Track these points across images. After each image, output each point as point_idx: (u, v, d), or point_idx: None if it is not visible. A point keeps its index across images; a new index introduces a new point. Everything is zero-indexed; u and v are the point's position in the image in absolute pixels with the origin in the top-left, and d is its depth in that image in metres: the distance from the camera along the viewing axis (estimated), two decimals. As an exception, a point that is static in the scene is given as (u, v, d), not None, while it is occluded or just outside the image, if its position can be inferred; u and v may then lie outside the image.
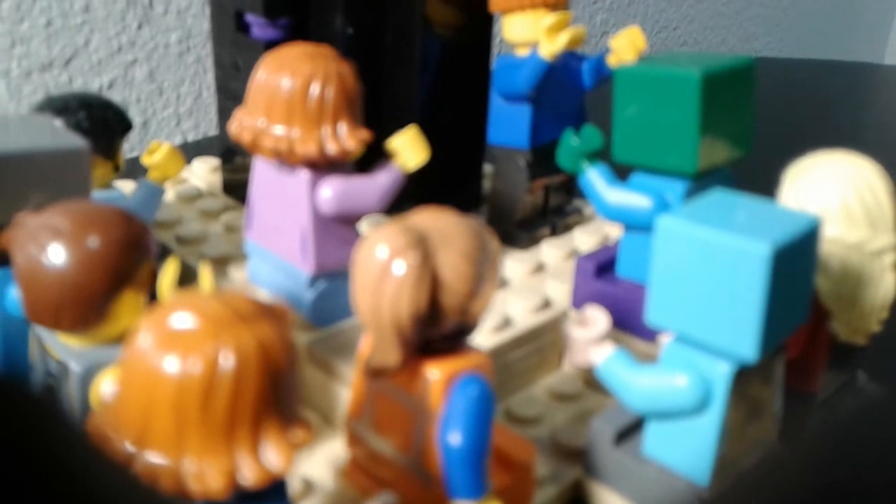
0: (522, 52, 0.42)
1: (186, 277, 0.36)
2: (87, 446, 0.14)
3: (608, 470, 0.30)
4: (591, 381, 0.37)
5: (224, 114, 0.47)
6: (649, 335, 0.35)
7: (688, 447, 0.28)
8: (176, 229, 0.44)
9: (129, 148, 0.40)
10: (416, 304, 0.24)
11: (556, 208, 0.47)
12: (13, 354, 0.31)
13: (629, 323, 0.36)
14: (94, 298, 0.27)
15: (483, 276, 0.25)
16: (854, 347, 0.34)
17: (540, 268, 0.42)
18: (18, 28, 0.65)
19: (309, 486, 0.30)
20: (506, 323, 0.36)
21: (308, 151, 0.32)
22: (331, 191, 0.34)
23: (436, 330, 0.25)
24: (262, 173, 0.36)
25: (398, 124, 0.38)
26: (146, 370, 0.20)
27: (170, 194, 0.47)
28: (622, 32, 0.41)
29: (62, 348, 0.28)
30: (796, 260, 0.26)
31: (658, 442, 0.29)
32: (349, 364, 0.33)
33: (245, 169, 0.45)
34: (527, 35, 0.42)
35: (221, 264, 0.40)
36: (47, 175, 0.31)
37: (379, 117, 0.42)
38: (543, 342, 0.37)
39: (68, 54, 0.68)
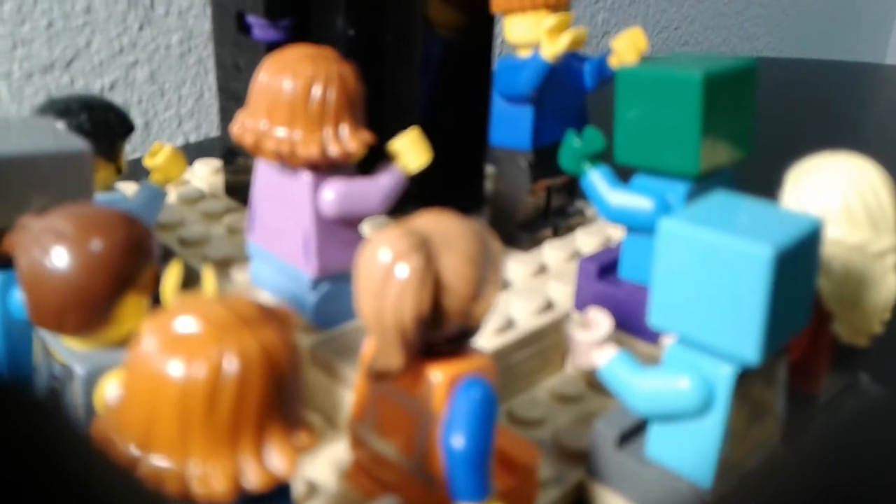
0: (524, 54, 0.42)
1: (189, 279, 0.36)
2: (89, 450, 0.14)
3: (611, 472, 0.30)
4: (593, 383, 0.37)
5: (226, 115, 0.47)
6: (652, 337, 0.35)
7: (691, 449, 0.28)
8: (178, 231, 0.44)
9: (130, 149, 0.40)
10: (418, 308, 0.24)
11: (558, 209, 0.47)
12: (17, 357, 0.31)
13: (631, 324, 0.36)
14: (98, 301, 0.27)
15: (486, 278, 0.25)
16: (856, 349, 0.34)
17: (542, 269, 0.42)
18: (20, 30, 0.65)
19: (312, 489, 0.30)
20: (508, 325, 0.36)
21: (310, 153, 0.32)
22: (333, 193, 0.34)
23: (438, 333, 0.25)
24: (265, 175, 0.36)
25: (400, 126, 0.38)
26: (150, 374, 0.20)
27: (172, 196, 0.47)
28: (624, 33, 0.41)
29: (66, 351, 0.28)
30: (798, 262, 0.26)
31: (661, 444, 0.29)
32: (352, 366, 0.33)
33: (247, 170, 0.45)
34: (528, 36, 0.42)
35: (224, 266, 0.40)
36: (50, 178, 0.31)
37: (380, 119, 0.42)
38: (546, 344, 0.37)
39: (69, 56, 0.68)
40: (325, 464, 0.31)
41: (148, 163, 0.41)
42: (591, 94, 0.45)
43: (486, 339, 0.35)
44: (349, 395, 0.32)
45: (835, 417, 0.34)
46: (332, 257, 0.35)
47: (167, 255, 0.41)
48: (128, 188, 0.45)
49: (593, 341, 0.30)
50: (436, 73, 0.44)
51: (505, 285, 0.40)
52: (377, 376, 0.26)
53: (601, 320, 0.30)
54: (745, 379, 0.27)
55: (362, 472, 0.29)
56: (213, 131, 0.77)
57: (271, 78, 0.33)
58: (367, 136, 0.33)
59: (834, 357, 0.33)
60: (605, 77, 0.44)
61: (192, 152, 0.49)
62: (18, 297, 0.31)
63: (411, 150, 0.35)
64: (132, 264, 0.27)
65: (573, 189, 0.46)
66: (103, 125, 0.38)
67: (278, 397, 0.21)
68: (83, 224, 0.26)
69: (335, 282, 0.35)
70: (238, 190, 0.47)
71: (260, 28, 0.42)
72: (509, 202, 0.44)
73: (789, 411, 0.30)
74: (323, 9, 0.42)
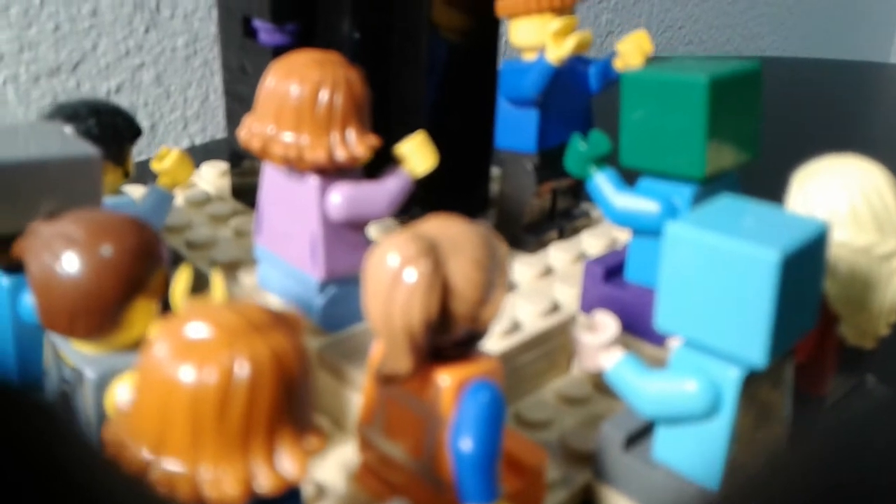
0: (529, 57, 0.42)
1: (196, 282, 0.36)
2: (92, 452, 0.15)
3: (618, 474, 0.30)
4: (600, 385, 0.37)
5: (232, 117, 0.47)
6: (658, 339, 0.35)
7: (697, 451, 0.28)
8: (185, 234, 0.44)
9: (136, 152, 0.40)
10: (427, 312, 0.24)
11: (564, 212, 0.47)
12: (28, 361, 0.32)
13: (638, 327, 0.36)
14: (108, 306, 0.27)
15: (493, 282, 0.25)
16: (863, 351, 0.34)
17: (548, 271, 0.42)
18: (26, 33, 0.65)
19: (321, 491, 0.30)
20: (514, 327, 0.36)
21: (317, 158, 0.32)
22: (340, 197, 0.34)
23: (446, 337, 0.25)
24: (272, 179, 0.36)
25: (406, 129, 0.38)
26: (162, 379, 0.20)
27: (179, 199, 0.48)
28: (629, 36, 0.42)
29: (76, 355, 0.28)
30: (805, 266, 0.26)
31: (668, 446, 0.29)
32: (360, 369, 0.33)
33: (253, 173, 0.45)
34: (533, 39, 0.42)
35: (231, 269, 0.41)
36: (59, 183, 0.31)
37: (386, 122, 0.42)
38: (552, 346, 0.37)
39: (76, 59, 0.68)
40: (333, 466, 0.31)
41: (155, 167, 0.41)
42: (596, 96, 0.45)
43: (493, 342, 0.35)
44: (357, 397, 0.33)
45: (841, 419, 0.34)
46: (339, 260, 0.35)
47: (176, 259, 0.41)
48: (134, 191, 0.46)
49: (600, 344, 0.30)
50: (441, 77, 0.44)
51: (511, 287, 0.40)
52: (386, 380, 0.26)
53: (607, 323, 0.31)
54: (752, 381, 0.27)
55: (370, 474, 0.29)
56: (219, 133, 0.78)
57: (279, 83, 0.33)
58: (373, 141, 0.34)
59: (840, 359, 0.33)
60: (611, 80, 0.44)
61: (198, 155, 0.49)
62: (29, 302, 0.31)
63: (418, 154, 0.35)
64: (142, 269, 0.27)
65: (578, 191, 0.47)
66: (111, 129, 0.38)
67: (289, 401, 0.21)
68: (94, 229, 0.27)
69: (342, 285, 0.35)
70: (245, 192, 0.47)
71: (266, 32, 0.42)
72: (515, 204, 0.44)
73: (796, 413, 0.30)
74: (329, 12, 0.42)
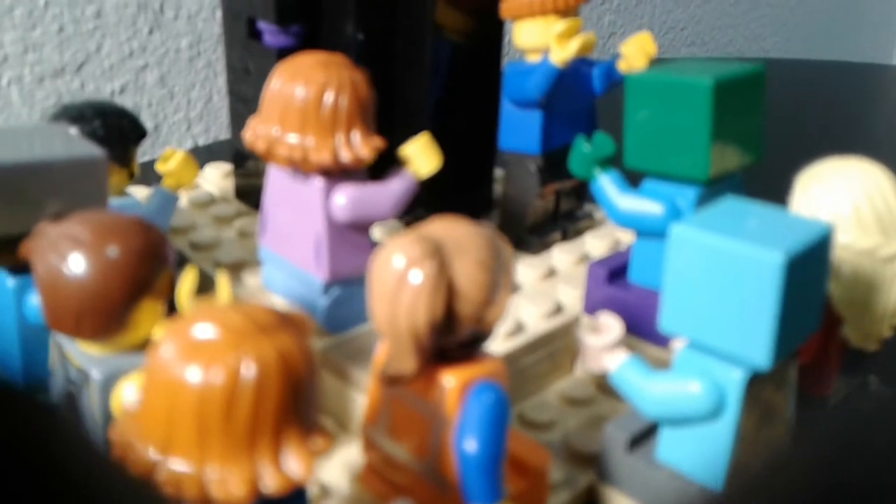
0: (533, 59, 0.42)
1: (201, 283, 0.37)
2: (94, 454, 0.15)
3: (621, 475, 0.30)
4: (603, 386, 0.37)
5: (236, 118, 0.47)
6: (662, 341, 0.35)
7: (701, 453, 0.28)
8: (189, 235, 0.44)
9: (140, 152, 0.40)
10: (432, 313, 0.24)
11: (567, 213, 0.47)
12: (33, 362, 0.32)
13: (641, 328, 0.36)
14: (114, 307, 0.27)
15: (498, 284, 0.25)
16: (866, 352, 0.34)
17: (551, 273, 0.42)
18: (31, 34, 0.65)
19: (325, 491, 0.30)
20: (518, 328, 0.37)
21: (322, 159, 0.33)
22: (345, 198, 0.34)
23: (451, 338, 0.25)
24: (276, 181, 0.36)
25: (410, 130, 0.38)
26: (169, 380, 0.20)
27: (183, 200, 0.48)
28: (632, 38, 0.42)
29: (82, 356, 0.28)
30: (809, 268, 0.26)
31: (671, 447, 0.29)
32: (364, 370, 0.33)
33: (257, 174, 0.45)
34: (537, 41, 0.42)
35: (235, 270, 0.41)
36: (65, 184, 0.31)
37: (391, 123, 0.42)
38: (556, 347, 0.37)
39: (80, 60, 0.68)
40: (337, 467, 0.31)
41: (160, 168, 0.41)
42: (600, 98, 0.45)
43: (497, 343, 0.35)
44: (361, 398, 0.33)
45: (844, 420, 0.34)
46: (343, 262, 0.35)
47: (181, 261, 0.41)
48: (139, 192, 0.46)
49: (604, 345, 0.30)
50: (445, 78, 0.44)
51: (514, 289, 0.40)
52: (390, 381, 0.26)
53: (611, 324, 0.31)
54: (756, 383, 0.27)
55: (375, 474, 0.30)
56: (223, 134, 0.78)
57: (284, 85, 0.33)
58: (378, 142, 0.34)
59: (843, 360, 0.34)
60: (614, 81, 0.44)
61: (201, 155, 0.49)
62: (35, 302, 0.31)
63: (422, 156, 0.35)
64: (148, 270, 0.27)
65: (582, 192, 0.47)
66: (117, 131, 0.38)
67: (295, 402, 0.21)
68: (100, 230, 0.27)
69: (346, 286, 0.35)
70: (248, 193, 0.48)
71: (270, 34, 0.42)
72: (518, 206, 0.44)
73: (799, 414, 0.31)
74: (333, 14, 0.42)
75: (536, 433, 0.34)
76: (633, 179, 0.37)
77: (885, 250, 0.31)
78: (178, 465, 0.20)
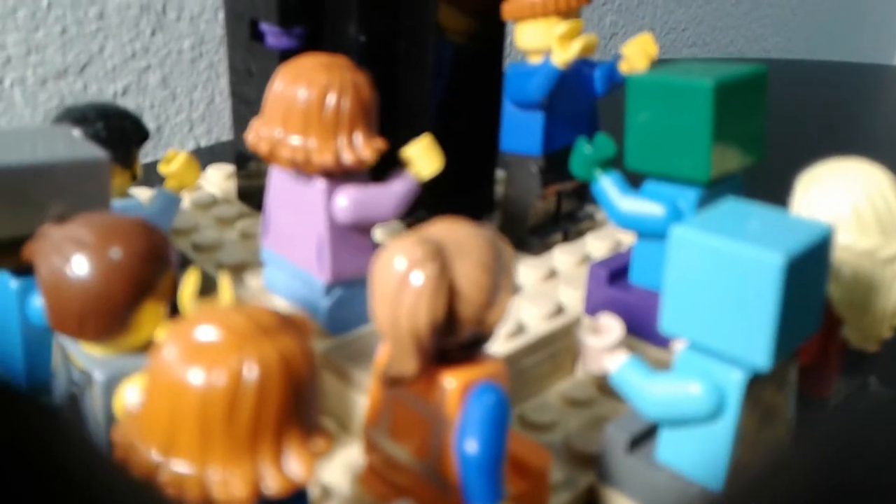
0: (535, 60, 0.43)
1: (203, 285, 0.37)
2: (95, 455, 0.15)
3: (622, 476, 0.31)
4: (604, 387, 0.37)
5: (238, 119, 0.47)
6: (662, 342, 0.35)
7: (702, 454, 0.28)
8: (192, 237, 0.44)
9: (143, 154, 0.40)
10: (433, 315, 0.24)
11: (569, 214, 0.47)
12: (36, 363, 0.32)
13: (642, 329, 0.37)
14: (117, 308, 0.27)
15: (499, 285, 0.26)
16: (866, 353, 0.34)
17: (552, 274, 0.42)
18: (34, 36, 0.66)
19: (326, 492, 0.30)
20: (519, 329, 0.37)
21: (324, 161, 0.33)
22: (347, 200, 0.34)
23: (452, 339, 0.26)
24: (279, 182, 0.36)
25: (412, 132, 0.38)
26: (172, 382, 0.21)
27: (185, 201, 0.48)
28: (634, 39, 0.42)
29: (85, 357, 0.28)
30: (809, 269, 0.26)
31: (672, 448, 0.29)
32: (365, 371, 0.33)
33: (259, 175, 0.46)
34: (539, 43, 0.42)
35: (237, 271, 0.41)
36: (68, 186, 0.31)
37: (393, 125, 0.42)
38: (557, 348, 0.38)
39: (83, 61, 0.68)
40: (338, 468, 0.32)
41: (163, 169, 0.41)
42: (601, 99, 0.45)
43: (498, 344, 0.35)
44: (362, 399, 0.33)
45: (844, 421, 0.34)
46: (345, 263, 0.35)
47: (183, 262, 0.42)
48: (141, 194, 0.46)
49: (604, 346, 0.30)
50: (447, 80, 0.44)
51: (515, 290, 0.40)
52: (391, 382, 0.26)
53: (612, 325, 0.31)
54: (756, 384, 0.28)
55: (376, 476, 0.30)
56: (224, 135, 0.78)
57: (286, 87, 0.33)
58: (380, 144, 0.34)
59: (844, 361, 0.34)
60: (616, 83, 0.44)
61: (203, 157, 0.49)
62: (38, 304, 0.31)
63: (424, 157, 0.35)
64: (151, 272, 0.27)
65: (583, 194, 0.47)
66: (119, 133, 0.38)
67: (296, 404, 0.21)
68: (103, 232, 0.27)
69: (348, 287, 0.36)
70: (251, 195, 0.48)
71: (273, 36, 0.42)
72: (520, 207, 0.44)
73: (799, 415, 0.31)
74: (336, 16, 0.43)
75: (537, 434, 0.35)
76: (634, 181, 0.37)
77: (885, 251, 0.31)
78: (180, 466, 0.21)
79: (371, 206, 0.35)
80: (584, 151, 0.38)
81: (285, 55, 0.41)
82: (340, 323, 0.36)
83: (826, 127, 0.87)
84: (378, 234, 0.44)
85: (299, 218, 0.35)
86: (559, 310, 0.38)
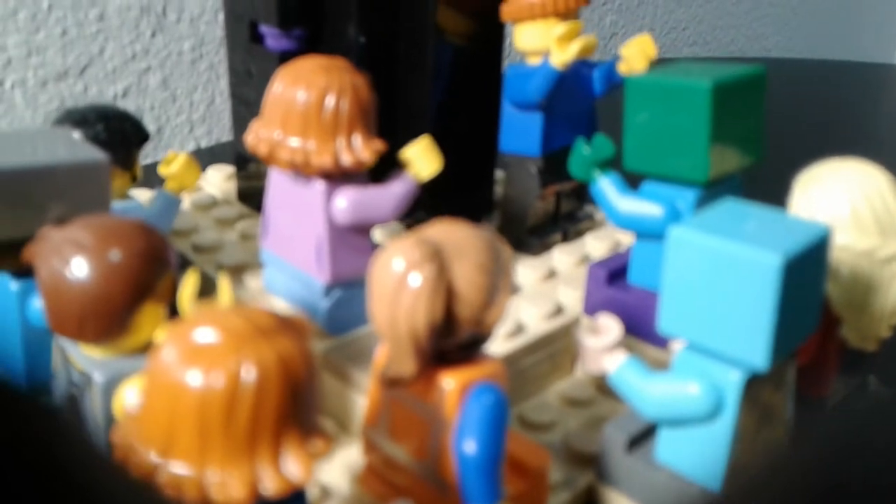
0: (534, 61, 0.43)
1: (203, 286, 0.37)
2: (102, 459, 0.15)
3: (621, 476, 0.31)
4: (603, 387, 0.37)
5: (238, 120, 0.47)
6: (661, 342, 0.35)
7: (700, 454, 0.28)
8: (192, 238, 0.44)
9: (143, 155, 0.40)
10: (431, 316, 0.24)
11: (568, 214, 0.47)
12: (36, 364, 0.32)
13: (641, 329, 0.37)
14: (117, 310, 0.27)
15: (497, 286, 0.26)
16: (864, 353, 0.34)
17: (552, 274, 0.42)
18: (34, 38, 0.66)
19: (325, 493, 0.31)
20: (518, 329, 0.37)
21: (323, 163, 0.33)
22: (346, 201, 0.34)
23: (451, 340, 0.26)
24: (278, 184, 0.36)
25: (411, 133, 0.38)
26: (170, 384, 0.21)
27: (185, 202, 0.48)
28: (633, 40, 0.42)
29: (85, 359, 0.28)
30: (807, 269, 0.27)
31: (670, 448, 0.29)
32: (365, 371, 0.33)
33: (259, 176, 0.46)
34: (538, 44, 0.42)
35: (237, 273, 0.41)
36: (68, 188, 0.31)
37: (392, 126, 0.42)
38: (556, 348, 0.38)
39: (83, 63, 0.68)
40: (338, 468, 0.32)
41: (163, 171, 0.41)
42: (600, 100, 0.45)
43: (497, 344, 0.35)
44: (362, 399, 0.33)
45: (843, 420, 0.34)
46: (344, 264, 0.35)
47: (183, 263, 0.42)
48: (141, 195, 0.46)
49: (603, 346, 0.30)
50: (447, 81, 0.44)
51: (515, 290, 0.40)
52: (390, 383, 0.26)
53: (611, 326, 0.31)
54: (755, 384, 0.28)
55: (375, 476, 0.30)
56: (225, 137, 0.78)
57: (285, 88, 0.33)
58: (379, 145, 0.34)
59: (842, 361, 0.34)
60: (614, 83, 0.44)
61: (203, 158, 0.49)
62: (38, 306, 0.31)
63: (423, 158, 0.35)
64: (150, 273, 0.27)
65: (582, 194, 0.47)
66: (120, 135, 0.38)
67: (295, 405, 0.21)
68: (102, 234, 0.27)
69: (347, 288, 0.36)
70: (250, 196, 0.48)
71: (273, 37, 0.43)
72: (519, 207, 0.44)
73: (798, 415, 0.31)
74: (335, 18, 0.43)
75: (536, 434, 0.35)
76: (632, 181, 0.37)
77: (883, 251, 0.31)
78: (179, 468, 0.21)
79: (370, 207, 0.35)
80: (582, 152, 0.38)
81: (285, 57, 0.41)
82: (340, 323, 0.36)
83: (826, 126, 0.87)
84: (377, 235, 0.44)
85: (298, 219, 0.35)
86: (558, 310, 0.39)
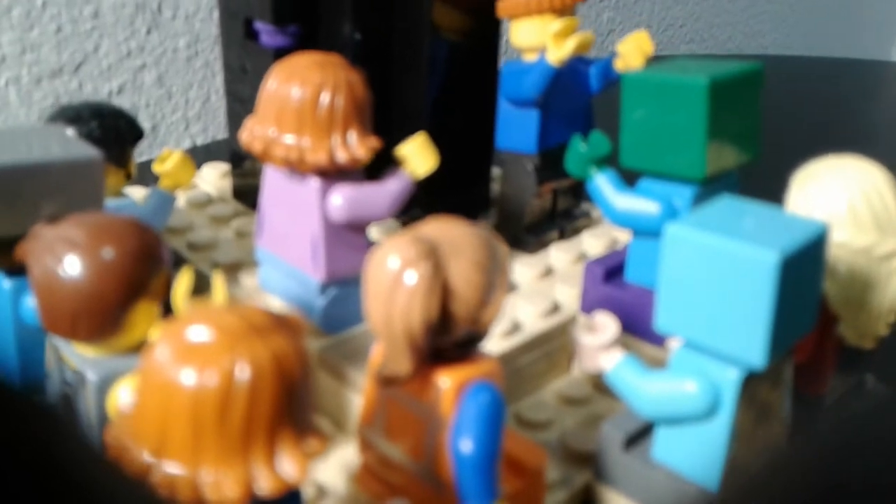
0: (530, 58, 0.42)
1: (198, 284, 0.37)
2: (92, 455, 0.15)
3: (618, 474, 0.30)
4: (600, 385, 0.37)
5: (233, 117, 0.47)
6: (658, 339, 0.35)
7: (697, 452, 0.28)
8: (187, 235, 0.44)
9: (137, 152, 0.40)
10: (427, 314, 0.24)
11: (565, 212, 0.47)
12: (30, 363, 0.32)
13: (638, 327, 0.37)
14: (110, 309, 0.27)
15: (493, 284, 0.25)
16: (862, 351, 0.34)
17: (548, 272, 0.42)
18: (28, 35, 0.65)
19: (321, 492, 0.30)
20: (515, 328, 0.37)
21: (318, 160, 0.33)
22: (341, 198, 0.34)
23: (447, 338, 0.26)
24: (273, 181, 0.36)
25: (407, 130, 0.38)
26: (164, 383, 0.20)
27: (180, 200, 0.48)
28: (629, 37, 0.42)
29: (78, 357, 0.28)
30: (804, 267, 0.26)
31: (667, 446, 0.29)
32: (360, 370, 0.33)
33: (254, 174, 0.45)
34: (534, 40, 0.42)
35: (232, 270, 0.41)
36: (61, 185, 0.31)
37: (387, 123, 0.42)
38: (552, 346, 0.38)
39: (78, 60, 0.68)
40: (333, 467, 0.31)
41: (157, 169, 0.41)
42: (596, 96, 0.45)
43: (493, 343, 0.35)
44: (357, 398, 0.33)
45: (840, 418, 0.34)
46: (340, 262, 0.35)
47: (177, 261, 0.42)
48: (136, 193, 0.46)
49: (600, 345, 0.30)
50: (442, 78, 0.44)
51: (511, 288, 0.40)
52: (386, 381, 0.26)
53: (607, 324, 0.31)
54: (752, 382, 0.27)
55: (371, 475, 0.30)
56: (220, 134, 0.78)
57: (280, 85, 0.33)
58: (374, 143, 0.34)
59: (840, 359, 0.34)
60: (611, 80, 0.44)
61: (199, 155, 0.49)
62: (31, 304, 0.31)
63: (419, 156, 0.35)
64: (144, 272, 0.27)
65: (579, 191, 0.47)
66: (114, 132, 0.38)
67: (289, 404, 0.21)
68: (95, 232, 0.27)
69: (343, 286, 0.35)
70: (246, 194, 0.48)
71: (268, 34, 0.42)
72: (515, 205, 0.44)
73: (795, 413, 0.31)
74: (330, 14, 0.42)
75: (533, 432, 0.35)
76: (629, 178, 0.37)
77: (881, 248, 0.31)
78: (173, 467, 0.20)
79: (366, 204, 0.34)
80: (579, 149, 0.38)
81: (280, 53, 0.41)
82: (335, 322, 0.36)
83: (823, 123, 0.87)
84: (373, 232, 0.43)
85: (294, 217, 0.35)
86: (555, 308, 0.38)
